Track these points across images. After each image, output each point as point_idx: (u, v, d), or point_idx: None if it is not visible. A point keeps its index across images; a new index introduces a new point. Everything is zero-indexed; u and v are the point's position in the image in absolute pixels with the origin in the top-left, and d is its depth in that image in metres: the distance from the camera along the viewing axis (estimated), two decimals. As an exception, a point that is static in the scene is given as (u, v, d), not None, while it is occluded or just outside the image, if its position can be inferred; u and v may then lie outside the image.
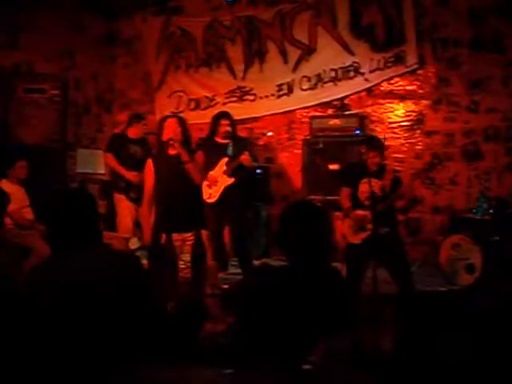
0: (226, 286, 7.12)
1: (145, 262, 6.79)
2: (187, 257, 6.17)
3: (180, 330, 3.82)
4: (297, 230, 3.25)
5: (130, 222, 7.93)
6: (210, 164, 7.41)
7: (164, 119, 6.34)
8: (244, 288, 3.48)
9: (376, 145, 6.29)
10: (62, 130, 9.44)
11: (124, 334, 2.85)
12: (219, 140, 7.56)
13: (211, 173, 7.39)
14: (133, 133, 8.29)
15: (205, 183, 7.33)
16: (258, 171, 8.66)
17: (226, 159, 7.41)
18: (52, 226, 3.08)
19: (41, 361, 2.76)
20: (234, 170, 7.36)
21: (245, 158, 7.24)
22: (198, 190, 6.40)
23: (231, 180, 7.38)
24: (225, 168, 7.39)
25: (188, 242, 6.10)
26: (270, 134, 9.36)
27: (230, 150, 7.44)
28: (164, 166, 6.09)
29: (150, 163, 6.18)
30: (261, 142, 9.76)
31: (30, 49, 9.48)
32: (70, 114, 9.78)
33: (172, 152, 6.16)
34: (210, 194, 7.42)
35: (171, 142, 6.04)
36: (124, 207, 8.02)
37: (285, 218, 3.32)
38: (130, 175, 7.84)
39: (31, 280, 3.00)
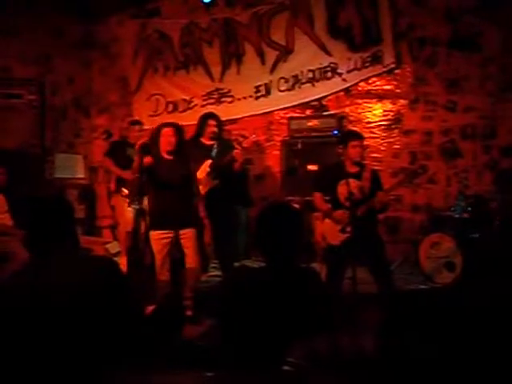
0: (205, 289, 7.10)
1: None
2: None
3: (159, 333, 3.80)
4: (271, 231, 3.26)
5: (130, 216, 7.98)
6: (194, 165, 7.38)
7: (160, 128, 6.47)
8: (223, 290, 3.48)
9: (353, 136, 6.25)
10: (40, 135, 9.37)
11: (101, 338, 2.84)
12: (205, 141, 7.54)
13: None
14: (131, 137, 8.35)
15: None
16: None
17: (209, 161, 7.36)
18: (29, 231, 3.07)
19: (18, 364, 2.74)
20: (218, 173, 7.33)
21: (237, 152, 7.23)
22: (191, 194, 6.50)
23: (214, 182, 7.35)
24: (208, 170, 7.36)
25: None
26: (253, 136, 9.28)
27: (214, 152, 7.41)
28: (160, 170, 6.26)
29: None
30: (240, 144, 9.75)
31: (6, 54, 9.41)
32: (48, 119, 9.72)
33: (167, 157, 6.38)
34: None
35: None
36: (123, 205, 8.02)
37: (260, 219, 3.34)
38: (125, 174, 7.82)
39: (9, 285, 2.98)
